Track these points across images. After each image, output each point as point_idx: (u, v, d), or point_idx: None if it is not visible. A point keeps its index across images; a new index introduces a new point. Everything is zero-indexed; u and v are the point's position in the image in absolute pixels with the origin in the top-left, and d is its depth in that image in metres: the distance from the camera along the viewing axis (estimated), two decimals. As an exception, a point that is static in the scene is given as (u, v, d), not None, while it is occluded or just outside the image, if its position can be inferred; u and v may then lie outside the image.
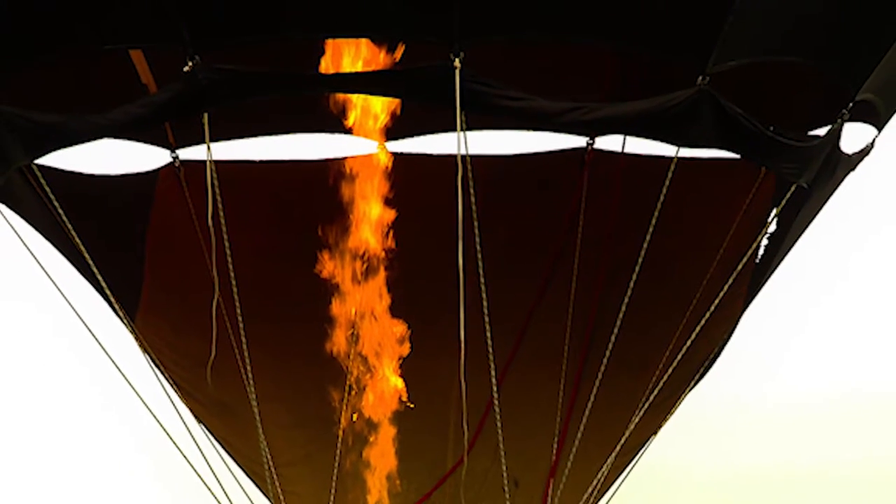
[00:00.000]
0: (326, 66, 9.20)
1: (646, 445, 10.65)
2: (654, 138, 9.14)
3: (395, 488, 10.44)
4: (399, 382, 10.29)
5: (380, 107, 9.76)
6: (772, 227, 9.99)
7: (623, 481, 10.71)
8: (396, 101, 9.56)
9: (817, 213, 10.10)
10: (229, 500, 10.08)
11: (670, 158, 8.91)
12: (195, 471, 9.90)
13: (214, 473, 10.03)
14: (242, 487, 10.45)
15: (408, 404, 10.32)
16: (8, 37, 8.59)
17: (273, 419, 10.00)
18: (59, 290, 9.79)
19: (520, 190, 10.71)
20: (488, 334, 9.22)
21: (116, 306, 10.07)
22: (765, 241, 10.08)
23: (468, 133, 8.57)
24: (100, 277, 9.80)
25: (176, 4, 8.16)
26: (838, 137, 9.28)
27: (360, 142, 10.26)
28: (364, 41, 9.04)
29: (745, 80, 8.76)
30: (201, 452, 10.04)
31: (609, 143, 10.70)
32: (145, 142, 10.50)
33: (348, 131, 10.04)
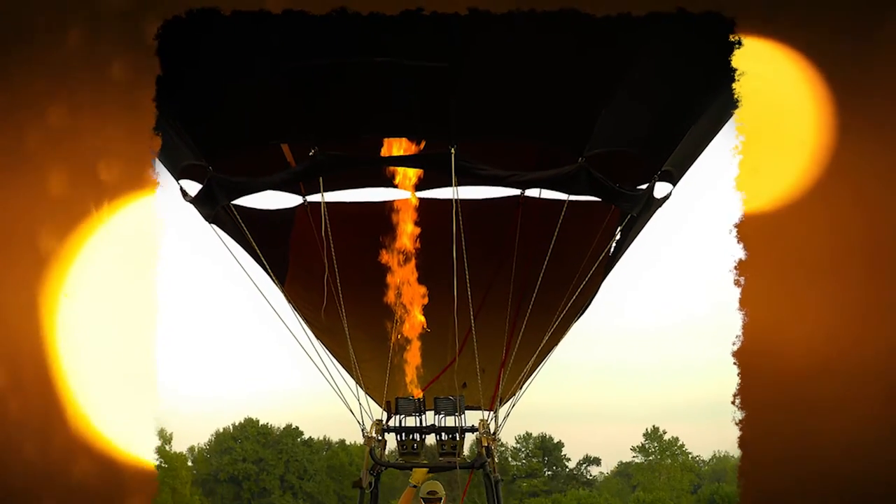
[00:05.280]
0: (385, 151, 9.32)
1: (551, 351, 10.69)
2: (556, 190, 9.31)
3: (420, 373, 10.46)
4: (422, 318, 10.29)
5: (412, 173, 9.86)
6: (617, 237, 10.10)
7: (539, 369, 10.77)
8: (420, 170, 9.69)
9: (641, 230, 10.29)
10: (334, 381, 10.29)
11: (564, 201, 9.13)
12: (315, 364, 10.19)
13: (325, 366, 10.29)
14: (339, 373, 10.54)
15: (426, 329, 10.32)
16: (225, 139, 8.86)
17: (355, 336, 9.96)
18: (244, 270, 10.07)
19: (486, 218, 10.60)
20: (468, 293, 9.32)
21: (273, 278, 10.27)
22: (613, 245, 10.19)
23: (459, 187, 8.81)
24: (265, 262, 10.01)
25: (308, 124, 8.42)
26: (653, 189, 9.49)
27: (402, 192, 10.28)
28: (404, 139, 9.14)
29: (607, 156, 8.90)
30: (318, 354, 10.33)
31: (533, 192, 10.72)
32: (290, 192, 10.55)
33: (395, 186, 10.13)
